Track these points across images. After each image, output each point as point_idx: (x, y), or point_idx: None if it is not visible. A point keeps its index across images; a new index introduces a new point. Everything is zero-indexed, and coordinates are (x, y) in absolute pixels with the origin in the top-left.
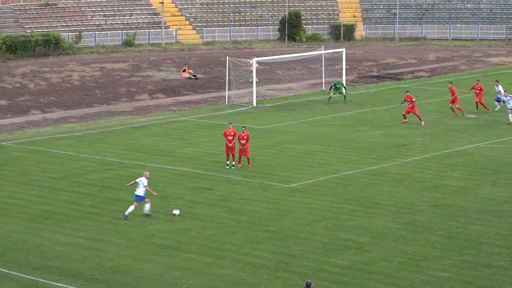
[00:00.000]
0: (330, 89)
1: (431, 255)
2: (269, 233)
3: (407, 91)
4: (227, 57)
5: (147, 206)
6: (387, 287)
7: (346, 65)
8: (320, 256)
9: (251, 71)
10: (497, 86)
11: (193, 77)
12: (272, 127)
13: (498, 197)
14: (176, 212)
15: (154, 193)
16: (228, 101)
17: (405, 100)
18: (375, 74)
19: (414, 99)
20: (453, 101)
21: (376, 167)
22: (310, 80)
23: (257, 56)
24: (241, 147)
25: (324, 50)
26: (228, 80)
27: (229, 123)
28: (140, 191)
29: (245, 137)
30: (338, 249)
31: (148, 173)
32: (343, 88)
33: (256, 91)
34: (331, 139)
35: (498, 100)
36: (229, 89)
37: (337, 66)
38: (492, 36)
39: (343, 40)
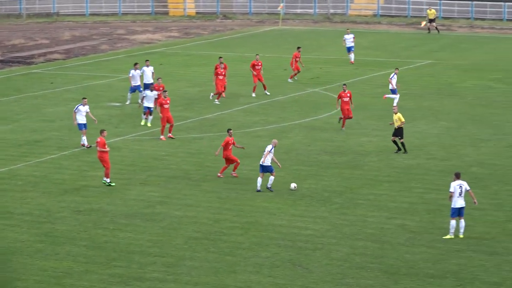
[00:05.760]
0: None
1: (74, 270)
2: None
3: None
4: None
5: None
6: None
7: None
8: None
9: None
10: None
11: None
12: None
13: (150, 198)
14: (293, 186)
15: (279, 165)
16: None
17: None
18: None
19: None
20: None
21: (4, 169)
22: None
23: None
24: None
25: None
26: None
27: None
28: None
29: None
30: None
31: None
32: None
33: None
34: None
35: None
36: None
37: None
38: (136, 9)
39: None
